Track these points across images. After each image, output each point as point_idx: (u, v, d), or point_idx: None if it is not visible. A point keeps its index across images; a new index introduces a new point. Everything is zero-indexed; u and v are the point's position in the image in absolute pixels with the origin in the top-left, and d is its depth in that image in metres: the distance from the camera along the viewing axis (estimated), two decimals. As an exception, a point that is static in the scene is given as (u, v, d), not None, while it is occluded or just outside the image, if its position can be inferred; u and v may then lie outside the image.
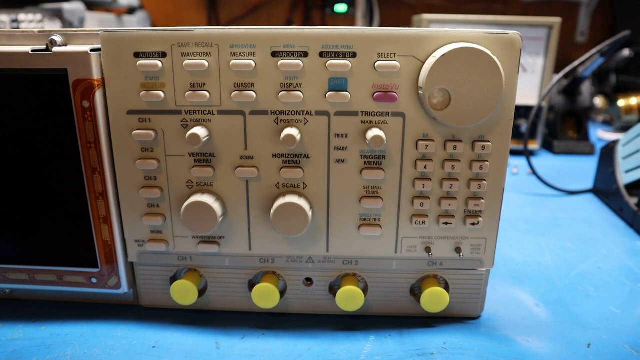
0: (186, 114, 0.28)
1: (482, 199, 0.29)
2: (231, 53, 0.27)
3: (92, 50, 0.26)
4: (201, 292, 0.31)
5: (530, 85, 0.81)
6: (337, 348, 0.29)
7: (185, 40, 0.26)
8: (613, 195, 0.55)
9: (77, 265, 0.31)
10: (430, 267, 0.31)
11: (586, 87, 0.85)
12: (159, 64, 0.27)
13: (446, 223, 0.29)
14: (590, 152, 0.83)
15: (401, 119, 0.27)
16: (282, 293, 0.31)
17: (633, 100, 0.95)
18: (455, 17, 0.79)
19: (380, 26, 0.29)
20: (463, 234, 0.30)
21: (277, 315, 0.32)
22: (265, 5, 1.41)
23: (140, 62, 0.27)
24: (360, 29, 0.26)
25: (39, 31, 0.27)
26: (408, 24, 0.79)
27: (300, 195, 0.29)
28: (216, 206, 0.28)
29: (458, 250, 0.30)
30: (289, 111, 0.27)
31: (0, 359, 0.28)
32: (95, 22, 1.02)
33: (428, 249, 0.30)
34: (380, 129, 0.27)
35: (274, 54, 0.27)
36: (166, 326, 0.31)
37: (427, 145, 0.27)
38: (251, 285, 0.31)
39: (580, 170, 0.73)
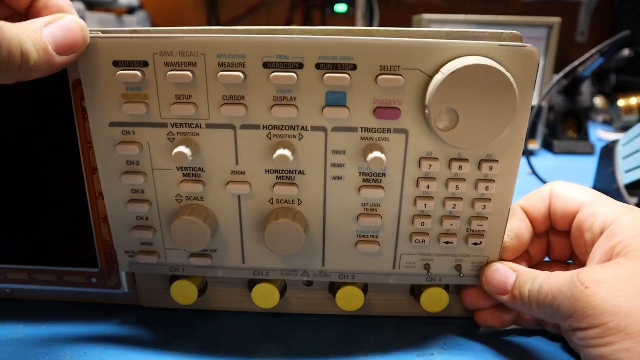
0: (172, 127, 0.26)
1: (487, 218, 0.28)
2: (219, 63, 0.24)
3: (92, 50, 0.26)
4: (201, 292, 0.31)
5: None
6: (337, 348, 0.29)
7: (168, 49, 0.24)
8: (613, 195, 0.54)
9: (77, 265, 0.31)
10: (428, 282, 0.30)
11: (586, 87, 0.85)
12: (140, 75, 0.24)
13: (447, 242, 0.28)
14: (590, 152, 0.83)
15: (404, 135, 0.26)
16: (282, 293, 0.31)
17: (633, 100, 0.95)
18: (455, 16, 0.79)
19: (381, 26, 0.29)
20: (464, 252, 0.29)
21: (277, 315, 0.32)
22: (265, 5, 1.41)
23: (120, 72, 0.24)
24: (361, 39, 0.24)
25: (39, 31, 0.27)
26: (408, 23, 0.78)
27: (295, 214, 0.27)
28: (206, 225, 0.27)
29: (458, 267, 0.29)
30: (283, 126, 0.26)
31: (0, 358, 0.28)
32: (95, 22, 1.01)
33: (427, 266, 0.29)
34: (381, 149, 0.26)
35: (265, 65, 0.24)
36: (166, 326, 0.31)
37: (430, 165, 0.26)
38: (251, 285, 0.31)
39: (581, 170, 0.73)
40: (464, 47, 0.24)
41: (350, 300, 0.30)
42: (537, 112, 0.78)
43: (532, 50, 0.24)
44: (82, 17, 1.01)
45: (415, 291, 0.31)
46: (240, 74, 0.24)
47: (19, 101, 0.28)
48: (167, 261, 0.29)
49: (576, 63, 0.72)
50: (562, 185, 0.30)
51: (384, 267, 0.29)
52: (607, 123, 1.05)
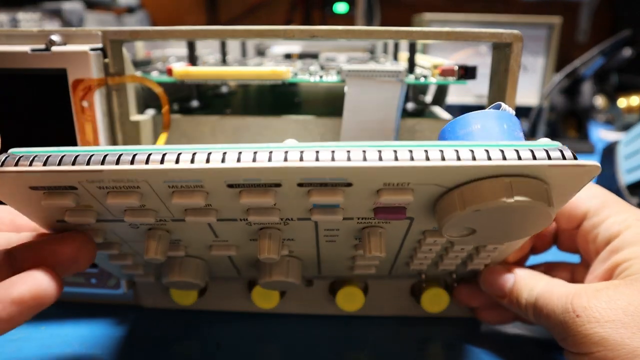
0: (132, 225, 0.22)
1: (489, 256, 0.26)
2: (169, 186, 0.19)
3: (91, 49, 0.26)
4: (201, 292, 0.31)
5: (531, 85, 0.81)
6: (337, 348, 0.29)
7: (96, 178, 0.18)
8: (614, 194, 0.55)
9: (77, 265, 0.31)
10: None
11: (587, 87, 0.85)
12: (71, 202, 0.19)
13: (445, 268, 0.28)
14: (589, 151, 0.83)
15: (408, 222, 0.22)
16: (282, 293, 0.31)
17: (634, 100, 0.95)
18: (455, 16, 0.79)
19: (381, 25, 0.28)
20: (462, 270, 0.29)
21: (277, 315, 0.32)
22: (265, 5, 1.41)
23: (43, 202, 0.19)
24: (359, 165, 0.17)
25: (38, 30, 0.27)
26: (408, 22, 0.78)
27: (288, 262, 0.26)
28: (198, 279, 0.26)
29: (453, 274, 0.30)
30: (263, 222, 0.22)
31: (0, 359, 0.28)
32: (95, 21, 1.01)
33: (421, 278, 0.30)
34: (380, 233, 0.22)
35: (231, 185, 0.19)
36: (166, 327, 0.31)
37: (435, 240, 0.23)
38: (251, 285, 0.31)
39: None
40: (495, 168, 0.17)
41: (350, 300, 0.30)
42: (538, 112, 0.78)
43: (594, 166, 0.17)
44: (82, 17, 1.00)
45: (415, 291, 0.31)
46: (200, 201, 0.19)
47: (18, 101, 0.27)
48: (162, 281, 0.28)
49: (577, 63, 0.72)
50: None
51: (381, 272, 0.29)
52: (609, 122, 1.05)
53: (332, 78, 0.31)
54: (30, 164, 0.18)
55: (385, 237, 0.23)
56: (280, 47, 0.57)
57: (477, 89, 0.73)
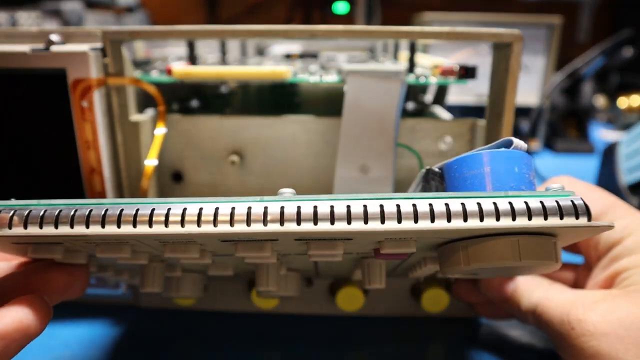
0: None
1: None
2: (160, 242, 0.19)
3: (91, 49, 0.26)
4: (201, 293, 0.31)
5: (531, 85, 0.81)
6: (337, 348, 0.29)
7: (81, 238, 0.18)
8: (615, 195, 0.55)
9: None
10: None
11: (588, 87, 0.84)
12: (59, 254, 0.19)
13: None
14: (589, 150, 0.83)
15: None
16: (282, 293, 0.31)
17: (635, 100, 0.95)
18: (456, 16, 0.78)
19: (381, 24, 0.28)
20: None
21: (277, 315, 0.32)
22: (265, 4, 1.40)
23: (30, 254, 0.19)
24: (359, 228, 0.16)
25: (38, 30, 0.27)
26: (408, 22, 0.78)
27: (286, 277, 0.26)
28: (196, 292, 0.26)
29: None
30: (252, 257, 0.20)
31: None
32: (94, 21, 1.01)
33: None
34: (380, 266, 0.22)
35: (225, 240, 0.18)
36: (166, 327, 0.31)
37: (436, 265, 0.22)
38: (251, 285, 0.31)
39: (582, 168, 0.73)
40: (505, 228, 0.17)
41: (350, 300, 0.30)
42: (538, 112, 0.78)
43: (606, 227, 0.17)
44: (81, 17, 1.00)
45: (415, 291, 0.31)
46: (195, 254, 0.19)
47: (17, 101, 0.27)
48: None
49: (578, 63, 0.72)
50: (568, 187, 0.29)
51: None
52: (610, 122, 1.05)
53: (332, 78, 0.31)
54: (10, 222, 0.17)
55: (385, 268, 0.22)
56: (280, 47, 0.56)
57: (477, 89, 0.73)
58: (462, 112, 0.45)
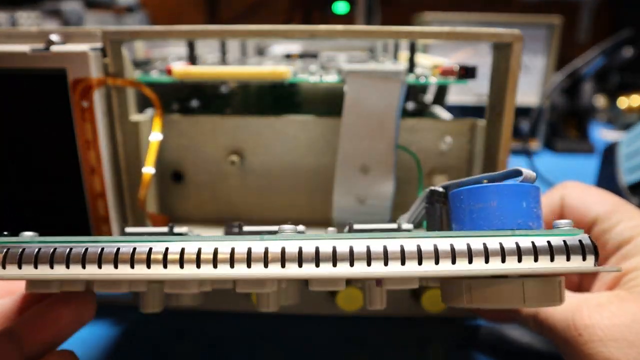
0: None
1: None
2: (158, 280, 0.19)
3: (91, 49, 0.26)
4: (201, 293, 0.31)
5: (531, 85, 0.80)
6: (337, 349, 0.29)
7: (77, 278, 0.18)
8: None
9: (76, 265, 0.31)
10: None
11: (588, 87, 0.84)
12: (55, 289, 0.19)
13: None
14: (589, 150, 0.83)
15: None
16: (282, 293, 0.31)
17: (635, 100, 0.95)
18: (456, 16, 0.78)
19: (381, 24, 0.28)
20: None
21: (277, 315, 0.32)
22: (265, 4, 1.40)
23: (27, 290, 0.19)
24: (361, 271, 0.17)
25: (38, 30, 0.27)
26: (408, 22, 0.78)
27: (286, 290, 0.25)
28: (196, 301, 0.25)
29: None
30: None
31: (-1, 359, 0.28)
32: (94, 21, 1.01)
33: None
34: (382, 288, 0.22)
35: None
36: (166, 327, 0.31)
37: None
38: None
39: (582, 169, 0.73)
40: (511, 270, 0.17)
41: (350, 300, 0.30)
42: (538, 112, 0.78)
43: (613, 270, 0.17)
44: (81, 17, 1.00)
45: (415, 291, 0.31)
46: (194, 290, 0.20)
47: (17, 101, 0.27)
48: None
49: (579, 63, 0.72)
50: (576, 191, 0.27)
51: None
52: (610, 122, 1.05)
53: (332, 78, 0.31)
54: (4, 262, 0.17)
55: (386, 292, 0.22)
56: (280, 47, 0.56)
57: (477, 89, 0.73)
58: (462, 112, 0.45)
